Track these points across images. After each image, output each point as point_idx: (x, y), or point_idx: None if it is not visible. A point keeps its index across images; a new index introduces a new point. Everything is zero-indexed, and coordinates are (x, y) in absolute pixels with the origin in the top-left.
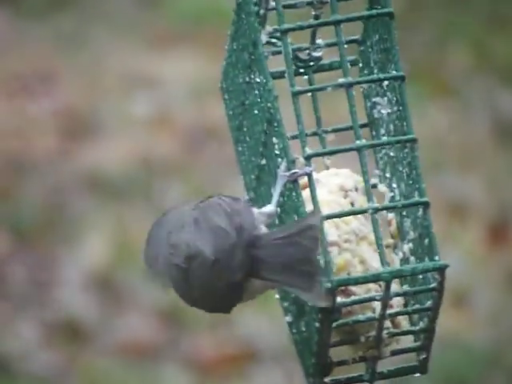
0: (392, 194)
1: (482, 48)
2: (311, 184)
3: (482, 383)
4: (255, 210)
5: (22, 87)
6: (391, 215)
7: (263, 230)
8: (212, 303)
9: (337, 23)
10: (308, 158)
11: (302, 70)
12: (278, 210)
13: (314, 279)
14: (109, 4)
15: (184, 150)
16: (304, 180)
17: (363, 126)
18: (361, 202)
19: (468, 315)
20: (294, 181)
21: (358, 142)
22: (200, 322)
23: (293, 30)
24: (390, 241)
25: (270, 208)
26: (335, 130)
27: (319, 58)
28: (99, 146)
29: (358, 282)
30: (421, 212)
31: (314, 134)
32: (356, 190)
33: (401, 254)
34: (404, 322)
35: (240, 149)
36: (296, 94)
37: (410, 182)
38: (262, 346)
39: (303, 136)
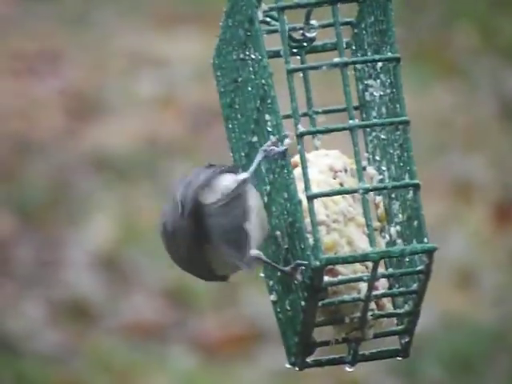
0: (381, 176)
1: (487, 28)
2: (303, 161)
3: (487, 363)
4: (230, 176)
5: (28, 67)
6: (379, 198)
7: (211, 197)
8: (190, 269)
9: (334, 2)
10: (301, 136)
11: (294, 51)
12: (268, 187)
13: (243, 249)
14: None
15: (189, 131)
16: (295, 159)
17: (355, 108)
18: (350, 183)
19: (474, 295)
20: (284, 157)
21: (350, 121)
22: (206, 302)
23: (290, 7)
24: (377, 224)
25: (243, 175)
26: (326, 112)
27: (313, 39)
28: (105, 126)
29: (346, 261)
30: (411, 194)
31: (305, 114)
32: (345, 171)
33: (387, 237)
34: (388, 305)
35: (230, 126)
36: (291, 72)
37: (401, 164)
38: (267, 327)
39: (297, 114)
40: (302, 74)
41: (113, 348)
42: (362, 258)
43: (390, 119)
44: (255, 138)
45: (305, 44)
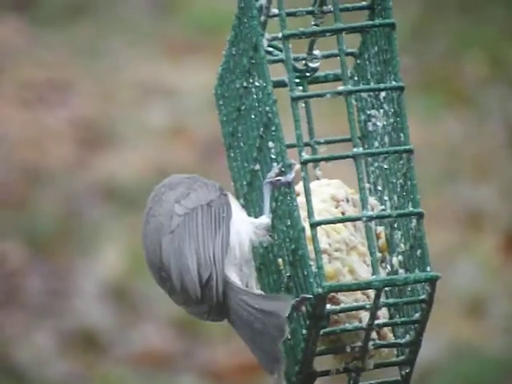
0: (383, 207)
1: (496, 58)
2: (307, 189)
3: None
4: (250, 223)
5: (38, 96)
6: (380, 228)
7: (233, 275)
8: (181, 306)
9: (338, 31)
10: (304, 163)
11: (297, 80)
12: (270, 215)
13: (274, 365)
14: (125, 14)
15: (199, 161)
16: (297, 187)
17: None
18: (351, 212)
19: (483, 324)
20: (289, 185)
21: (355, 149)
22: (215, 331)
23: (295, 35)
24: (378, 254)
25: (266, 220)
26: (328, 142)
27: (315, 69)
28: (115, 156)
29: (350, 288)
30: (414, 223)
31: (307, 144)
32: (347, 200)
33: (389, 268)
34: (390, 334)
35: (232, 155)
36: (295, 99)
37: (404, 193)
38: None
39: (300, 141)
40: (304, 104)
41: (122, 377)
42: (366, 286)
43: (394, 147)
44: (258, 166)
45: (307, 74)
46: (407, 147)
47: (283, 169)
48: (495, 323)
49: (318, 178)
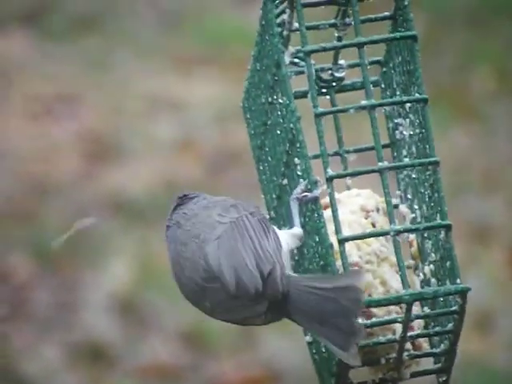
0: (413, 215)
1: (504, 72)
2: (333, 205)
3: None
4: (284, 233)
5: (46, 110)
6: (412, 236)
7: (289, 268)
8: (227, 319)
9: (360, 45)
10: (330, 180)
11: (324, 90)
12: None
13: (350, 340)
14: (133, 27)
15: (207, 174)
16: (325, 200)
17: (385, 146)
18: (382, 222)
19: (490, 339)
20: (315, 201)
21: (380, 163)
22: (223, 344)
23: (316, 51)
24: (411, 262)
25: (298, 230)
26: (357, 151)
27: (341, 79)
28: (123, 169)
29: (380, 304)
30: (443, 235)
31: (336, 153)
32: (377, 210)
33: (421, 276)
34: (425, 344)
35: (261, 168)
36: (319, 116)
37: (432, 204)
38: (284, 369)
39: (325, 157)
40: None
41: None
42: (396, 301)
43: (419, 160)
44: (285, 181)
45: (334, 84)
46: (432, 159)
47: (309, 186)
48: (503, 337)
49: (348, 188)
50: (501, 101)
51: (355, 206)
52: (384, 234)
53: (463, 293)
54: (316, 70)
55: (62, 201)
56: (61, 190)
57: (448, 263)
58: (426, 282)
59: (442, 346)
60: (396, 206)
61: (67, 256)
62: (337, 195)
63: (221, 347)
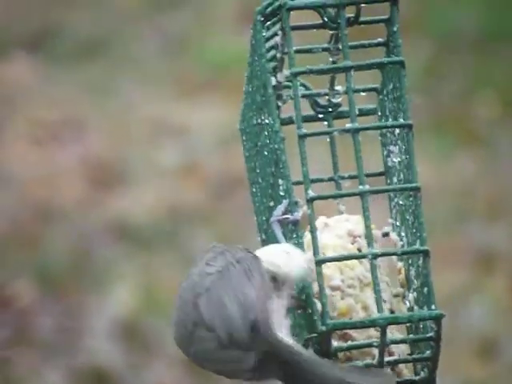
0: (402, 242)
1: (509, 97)
2: (312, 227)
3: None
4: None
5: (50, 135)
6: (400, 264)
7: (283, 331)
8: (211, 369)
9: (347, 69)
10: (311, 201)
11: (321, 116)
12: None
13: None
14: (137, 52)
15: (211, 199)
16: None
17: (380, 174)
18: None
19: (494, 365)
20: (295, 223)
21: (360, 187)
22: None
23: (303, 73)
24: (400, 290)
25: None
26: (352, 177)
27: (338, 105)
28: (127, 195)
29: (354, 326)
30: (421, 260)
31: (331, 179)
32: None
33: (408, 304)
34: (405, 371)
35: (254, 190)
36: (302, 137)
37: (414, 230)
38: None
39: (307, 178)
40: (328, 139)
41: None
42: (370, 324)
43: (400, 185)
44: (272, 203)
45: (330, 109)
46: (414, 185)
47: (289, 207)
48: (506, 364)
49: (341, 213)
50: (506, 126)
51: (342, 231)
52: (361, 257)
53: (437, 319)
54: (313, 95)
55: (66, 226)
56: (65, 215)
57: (425, 289)
58: (410, 310)
59: (422, 373)
60: (387, 234)
61: (71, 281)
62: (326, 220)
63: None
